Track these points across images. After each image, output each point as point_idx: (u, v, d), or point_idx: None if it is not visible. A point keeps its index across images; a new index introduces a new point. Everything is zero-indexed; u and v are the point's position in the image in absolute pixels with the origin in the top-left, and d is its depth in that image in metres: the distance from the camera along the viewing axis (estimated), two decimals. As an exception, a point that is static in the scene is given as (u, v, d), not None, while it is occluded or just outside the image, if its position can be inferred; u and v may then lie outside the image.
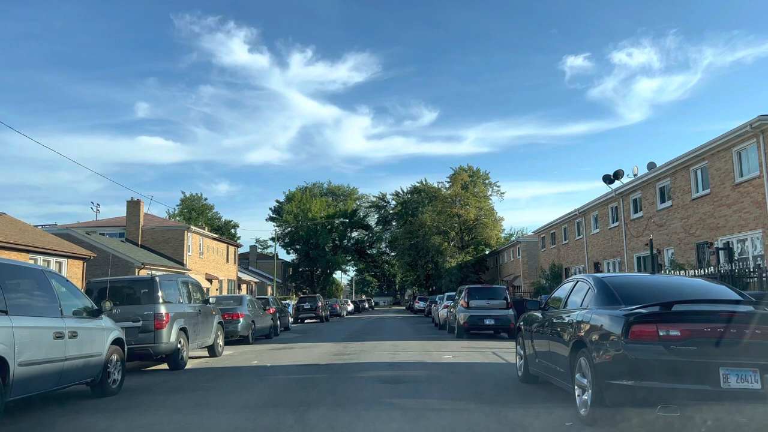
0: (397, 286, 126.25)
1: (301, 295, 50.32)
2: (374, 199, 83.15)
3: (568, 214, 36.96)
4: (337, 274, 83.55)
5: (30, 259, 21.73)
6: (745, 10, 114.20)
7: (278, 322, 23.75)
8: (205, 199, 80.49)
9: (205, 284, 40.14)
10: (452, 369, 10.94)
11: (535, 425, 6.11)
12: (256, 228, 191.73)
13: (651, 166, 26.71)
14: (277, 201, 75.19)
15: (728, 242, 19.69)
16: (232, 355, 14.71)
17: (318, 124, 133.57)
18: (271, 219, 75.00)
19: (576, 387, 6.25)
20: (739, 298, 6.20)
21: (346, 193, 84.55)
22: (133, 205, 41.48)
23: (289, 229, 68.77)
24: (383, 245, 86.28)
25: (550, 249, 41.99)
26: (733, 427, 5.33)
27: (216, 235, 50.85)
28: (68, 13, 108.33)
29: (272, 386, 9.18)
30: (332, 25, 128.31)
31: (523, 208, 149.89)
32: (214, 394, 8.47)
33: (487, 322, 19.15)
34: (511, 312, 19.19)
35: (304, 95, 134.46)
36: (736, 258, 18.48)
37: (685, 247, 22.60)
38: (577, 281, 7.57)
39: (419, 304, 53.63)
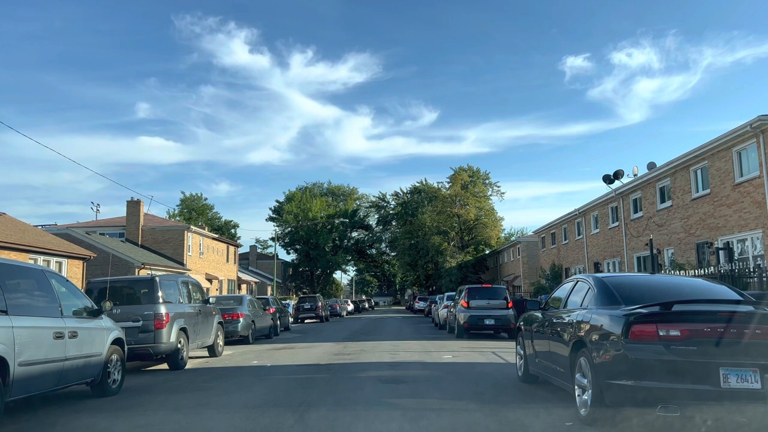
0: (397, 286, 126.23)
1: (301, 295, 50.31)
2: (374, 199, 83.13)
3: (568, 214, 36.95)
4: (337, 274, 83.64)
5: (30, 259, 21.72)
6: (745, 10, 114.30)
7: (278, 322, 23.74)
8: (205, 199, 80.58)
9: (205, 284, 40.13)
10: (452, 369, 10.93)
11: (535, 425, 6.11)
12: (256, 228, 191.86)
13: (651, 166, 26.71)
14: (277, 201, 75.13)
15: (728, 242, 19.68)
16: (232, 355, 14.70)
17: (318, 124, 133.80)
18: (271, 219, 74.92)
19: (576, 387, 6.25)
20: (739, 298, 6.19)
21: (346, 193, 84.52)
22: (133, 205, 41.47)
23: (289, 229, 68.69)
24: (383, 245, 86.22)
25: (550, 249, 41.98)
26: (733, 427, 5.32)
27: (216, 235, 50.83)
28: (69, 13, 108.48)
29: (272, 386, 9.18)
30: (332, 25, 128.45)
31: (523, 208, 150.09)
32: (214, 394, 8.47)
33: (487, 322, 19.14)
34: (511, 312, 19.19)
35: (304, 95, 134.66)
36: (736, 258, 18.47)
37: (685, 247, 22.59)
38: (577, 281, 7.57)
39: (419, 304, 53.60)
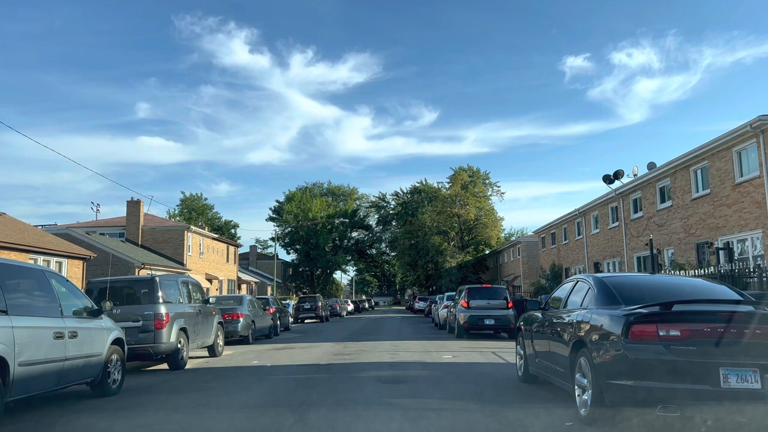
0: (397, 286, 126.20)
1: (301, 295, 50.31)
2: (374, 199, 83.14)
3: (568, 214, 36.95)
4: (337, 274, 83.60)
5: (30, 259, 21.72)
6: (745, 10, 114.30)
7: (278, 322, 23.73)
8: (205, 199, 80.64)
9: (205, 284, 40.13)
10: (452, 369, 10.94)
11: (535, 425, 6.11)
12: (256, 228, 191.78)
13: (651, 166, 26.71)
14: (277, 201, 75.14)
15: (728, 242, 19.68)
16: (232, 355, 14.70)
17: (318, 124, 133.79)
18: (271, 219, 74.93)
19: (576, 387, 6.25)
20: (739, 298, 6.19)
21: (346, 193, 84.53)
22: (133, 205, 41.48)
23: (289, 229, 68.71)
24: (383, 245, 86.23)
25: (550, 249, 41.98)
26: (733, 427, 5.32)
27: (216, 235, 50.82)
28: (69, 13, 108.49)
29: (272, 386, 9.18)
30: (332, 25, 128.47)
31: (523, 208, 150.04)
32: (214, 394, 8.47)
33: (487, 322, 19.14)
34: (511, 312, 19.19)
35: (304, 95, 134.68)
36: (736, 258, 18.47)
37: (685, 247, 22.59)
38: (577, 281, 7.56)
39: (419, 304, 53.61)
